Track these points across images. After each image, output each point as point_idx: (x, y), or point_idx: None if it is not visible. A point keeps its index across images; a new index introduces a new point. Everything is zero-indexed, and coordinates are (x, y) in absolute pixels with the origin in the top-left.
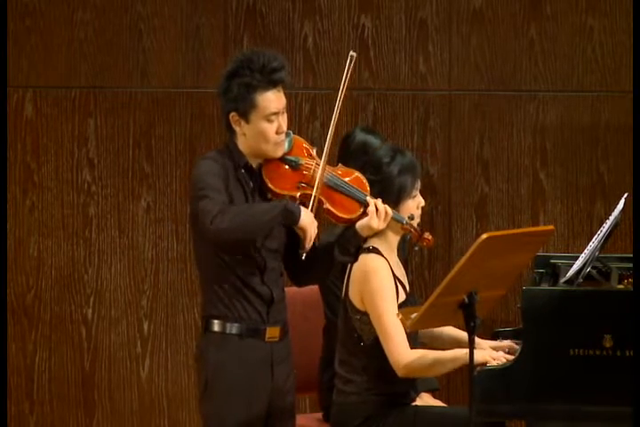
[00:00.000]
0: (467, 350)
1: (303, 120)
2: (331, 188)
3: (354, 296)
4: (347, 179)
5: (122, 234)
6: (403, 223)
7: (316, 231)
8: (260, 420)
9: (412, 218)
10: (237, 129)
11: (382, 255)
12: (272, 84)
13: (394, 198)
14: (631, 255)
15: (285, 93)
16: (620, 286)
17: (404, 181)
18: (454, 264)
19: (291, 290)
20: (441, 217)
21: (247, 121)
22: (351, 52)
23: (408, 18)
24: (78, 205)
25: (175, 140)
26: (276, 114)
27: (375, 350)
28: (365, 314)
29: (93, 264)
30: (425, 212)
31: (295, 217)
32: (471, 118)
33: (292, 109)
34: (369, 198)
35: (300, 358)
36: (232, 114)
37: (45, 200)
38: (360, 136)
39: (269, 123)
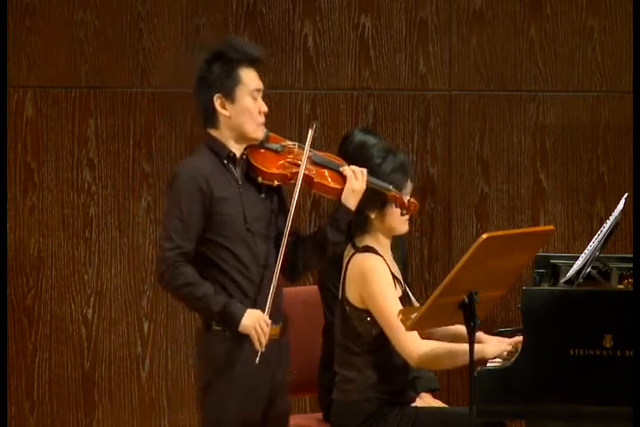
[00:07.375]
0: (480, 346)
1: (303, 120)
2: (316, 164)
3: (351, 295)
4: (325, 155)
5: (122, 234)
6: (389, 189)
7: (266, 334)
8: (258, 419)
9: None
10: (223, 112)
11: (377, 253)
12: (254, 62)
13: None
14: (631, 255)
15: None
16: (620, 286)
17: (395, 179)
18: (454, 264)
19: (291, 290)
20: (441, 217)
21: (232, 100)
22: (313, 125)
23: (408, 18)
24: (78, 205)
25: (175, 140)
26: (259, 91)
27: (376, 347)
28: (365, 311)
29: (93, 264)
30: (425, 212)
31: (235, 321)
32: (471, 118)
33: (291, 109)
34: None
35: (300, 358)
36: (217, 95)
37: (45, 200)
38: (359, 137)
39: (254, 100)
